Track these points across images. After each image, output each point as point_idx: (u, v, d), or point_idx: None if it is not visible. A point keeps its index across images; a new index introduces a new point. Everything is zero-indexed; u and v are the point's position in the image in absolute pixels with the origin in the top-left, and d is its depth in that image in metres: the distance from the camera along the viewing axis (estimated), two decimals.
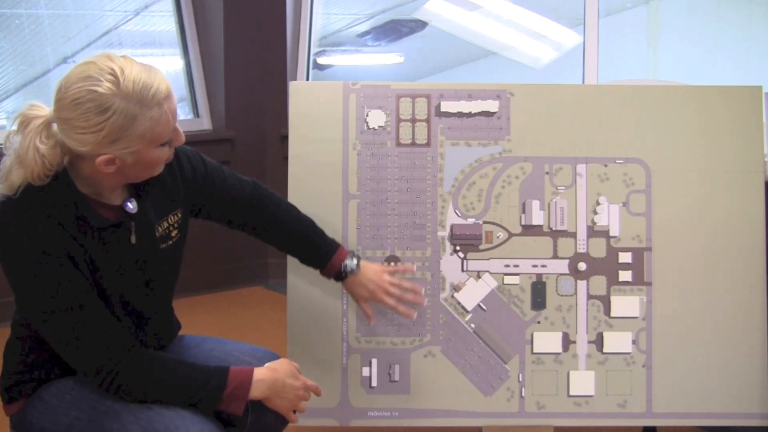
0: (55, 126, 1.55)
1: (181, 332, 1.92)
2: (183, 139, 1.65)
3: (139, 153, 1.56)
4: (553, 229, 2.21)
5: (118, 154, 1.54)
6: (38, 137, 1.54)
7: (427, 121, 2.22)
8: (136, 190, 1.68)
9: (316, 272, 2.18)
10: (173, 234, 1.76)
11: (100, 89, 1.49)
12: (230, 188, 1.91)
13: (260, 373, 1.67)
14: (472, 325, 2.20)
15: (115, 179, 1.61)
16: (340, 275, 2.01)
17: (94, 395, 1.63)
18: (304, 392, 1.74)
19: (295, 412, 1.76)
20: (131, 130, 1.52)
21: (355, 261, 2.01)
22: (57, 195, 1.57)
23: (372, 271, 2.03)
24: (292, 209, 2.02)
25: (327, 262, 2.00)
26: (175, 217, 1.76)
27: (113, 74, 1.50)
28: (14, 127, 1.57)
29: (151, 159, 1.59)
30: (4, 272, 1.58)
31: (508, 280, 2.21)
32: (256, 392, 1.66)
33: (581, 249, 2.21)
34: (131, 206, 1.66)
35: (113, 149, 1.53)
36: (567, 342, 2.21)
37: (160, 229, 1.72)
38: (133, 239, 1.66)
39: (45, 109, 1.57)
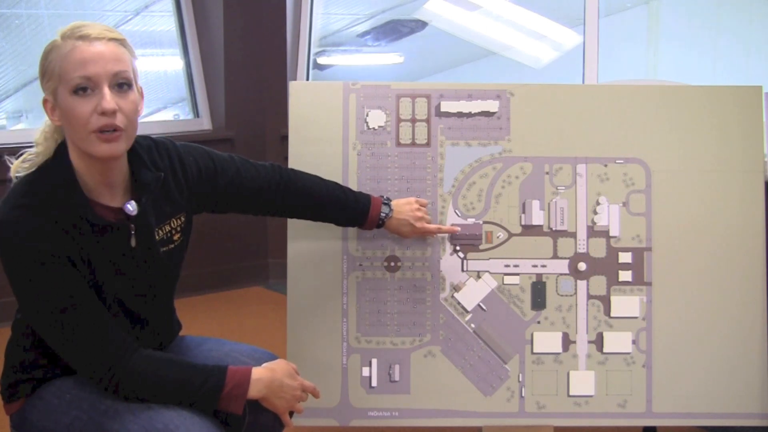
0: None
1: (181, 333, 1.92)
2: (106, 106, 1.55)
3: (58, 94, 1.58)
4: (553, 229, 2.21)
5: (46, 94, 1.59)
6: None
7: (427, 121, 2.22)
8: (137, 192, 1.68)
9: (316, 272, 2.19)
10: (175, 237, 1.76)
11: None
12: (248, 180, 1.90)
13: (258, 372, 1.67)
14: (472, 325, 2.20)
15: (83, 157, 1.60)
16: (380, 224, 2.08)
17: (94, 394, 1.63)
18: (301, 393, 1.74)
19: (292, 414, 1.76)
20: (49, 60, 1.58)
21: (388, 207, 2.09)
22: (58, 195, 1.57)
23: (405, 206, 2.11)
24: (316, 180, 2.03)
25: (366, 218, 2.06)
26: (178, 221, 1.76)
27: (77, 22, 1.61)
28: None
29: (69, 109, 1.56)
30: (5, 272, 1.58)
31: (508, 280, 2.21)
32: (253, 391, 1.65)
33: (581, 249, 2.21)
34: (131, 208, 1.65)
35: (43, 85, 1.60)
36: (567, 342, 2.21)
37: (161, 232, 1.72)
38: (133, 242, 1.66)
39: None
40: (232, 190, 1.88)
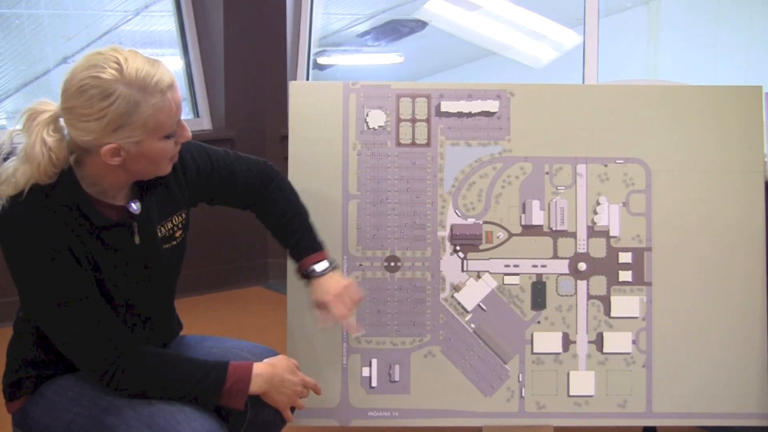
0: (61, 121, 1.56)
1: (182, 333, 1.92)
2: (189, 134, 1.66)
3: (143, 144, 1.57)
4: (553, 229, 2.21)
5: (122, 143, 1.55)
6: (45, 130, 1.55)
7: (427, 121, 2.22)
8: (140, 191, 1.68)
9: None
10: (177, 234, 1.76)
11: (103, 75, 1.52)
12: (238, 180, 1.91)
13: (259, 367, 1.68)
14: (472, 325, 2.20)
15: (121, 175, 1.62)
16: (307, 277, 1.94)
17: (96, 391, 1.64)
18: (302, 389, 1.75)
19: (293, 410, 1.76)
20: (134, 117, 1.53)
21: (323, 267, 1.92)
22: (60, 193, 1.58)
23: (335, 283, 1.91)
24: (292, 199, 1.99)
25: (299, 260, 1.95)
26: (180, 218, 1.77)
27: (117, 62, 1.53)
28: (20, 125, 1.58)
29: (156, 152, 1.59)
30: (8, 268, 1.58)
31: (508, 280, 2.21)
32: (254, 387, 1.66)
33: (581, 249, 2.21)
34: (135, 207, 1.66)
35: (116, 137, 1.54)
36: (567, 342, 2.21)
37: (163, 229, 1.73)
38: (137, 239, 1.67)
39: (52, 104, 1.58)
40: (226, 189, 1.90)
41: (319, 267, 1.93)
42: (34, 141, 1.54)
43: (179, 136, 1.64)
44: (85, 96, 1.52)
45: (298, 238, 1.96)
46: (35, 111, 1.57)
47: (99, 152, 1.55)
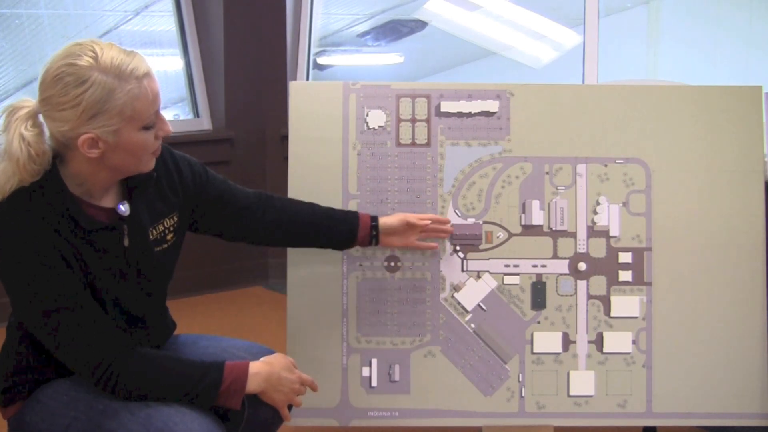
0: (40, 117, 1.56)
1: (180, 332, 1.92)
2: (169, 128, 1.65)
3: (121, 133, 1.56)
4: (553, 229, 2.21)
5: (99, 132, 1.54)
6: (23, 125, 1.55)
7: (427, 121, 2.22)
8: (129, 192, 1.68)
9: (316, 272, 2.19)
10: (169, 237, 1.76)
11: (79, 62, 1.52)
12: (238, 197, 1.92)
13: (256, 366, 1.67)
14: (472, 325, 2.20)
15: (104, 172, 1.60)
16: (370, 242, 2.08)
17: (91, 395, 1.63)
18: (299, 386, 1.74)
19: (290, 408, 1.76)
20: (109, 104, 1.53)
21: (377, 222, 2.07)
22: (47, 197, 1.57)
23: (397, 222, 2.10)
24: (302, 204, 2.05)
25: (356, 238, 2.06)
26: (171, 221, 1.76)
27: (93, 51, 1.54)
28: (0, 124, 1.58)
29: (135, 144, 1.58)
30: None
31: (508, 280, 2.21)
32: (252, 386, 1.66)
33: (581, 249, 2.21)
34: (123, 209, 1.66)
35: (93, 126, 1.53)
36: (567, 342, 2.21)
37: (154, 232, 1.72)
38: (126, 242, 1.66)
39: (31, 101, 1.58)
40: (219, 204, 1.89)
41: (375, 225, 2.08)
42: (12, 137, 1.54)
43: (159, 129, 1.63)
44: (61, 84, 1.52)
45: (341, 226, 2.04)
46: (14, 108, 1.57)
47: (77, 145, 1.55)
